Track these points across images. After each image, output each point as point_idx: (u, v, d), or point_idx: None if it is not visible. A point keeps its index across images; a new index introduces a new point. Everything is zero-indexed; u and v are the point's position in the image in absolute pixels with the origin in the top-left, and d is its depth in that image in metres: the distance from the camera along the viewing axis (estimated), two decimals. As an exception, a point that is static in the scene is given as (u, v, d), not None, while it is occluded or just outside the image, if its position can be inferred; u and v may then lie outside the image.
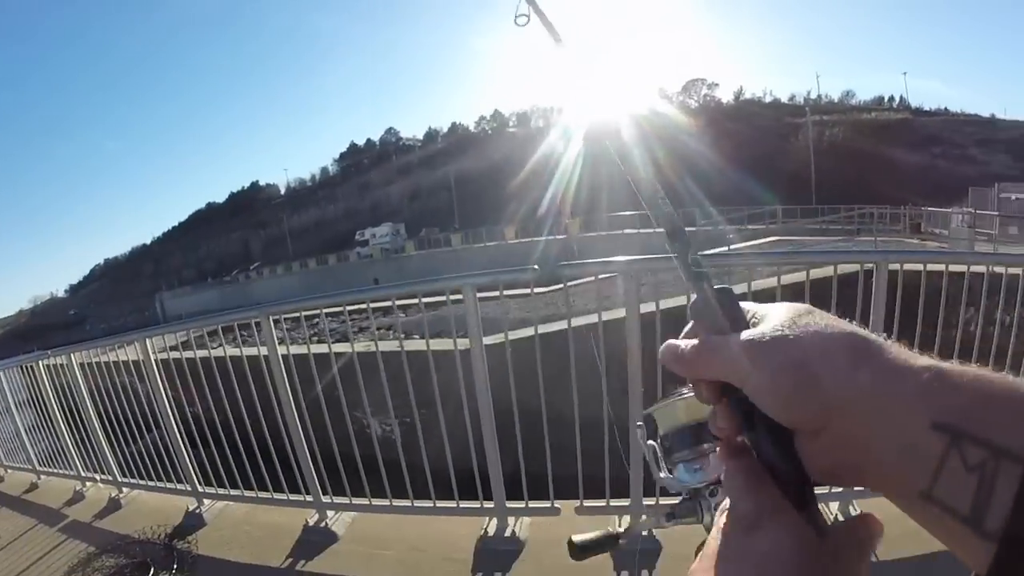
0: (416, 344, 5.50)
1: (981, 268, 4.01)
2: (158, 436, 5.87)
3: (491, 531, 3.85)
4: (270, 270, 73.99)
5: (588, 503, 3.80)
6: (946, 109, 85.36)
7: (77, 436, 6.78)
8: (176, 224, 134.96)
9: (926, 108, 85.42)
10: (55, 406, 6.85)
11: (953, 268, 4.20)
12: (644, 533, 3.11)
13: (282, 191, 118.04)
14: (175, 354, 5.66)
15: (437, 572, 3.78)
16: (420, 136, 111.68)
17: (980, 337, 3.91)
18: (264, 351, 4.59)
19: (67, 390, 6.73)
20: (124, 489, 6.21)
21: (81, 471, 6.78)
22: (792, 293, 4.00)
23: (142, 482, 6.21)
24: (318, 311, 5.17)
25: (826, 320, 0.55)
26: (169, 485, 5.85)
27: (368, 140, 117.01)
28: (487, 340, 3.95)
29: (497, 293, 4.23)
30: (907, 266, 4.08)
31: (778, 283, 3.89)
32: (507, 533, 3.82)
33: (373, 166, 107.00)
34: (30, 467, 7.65)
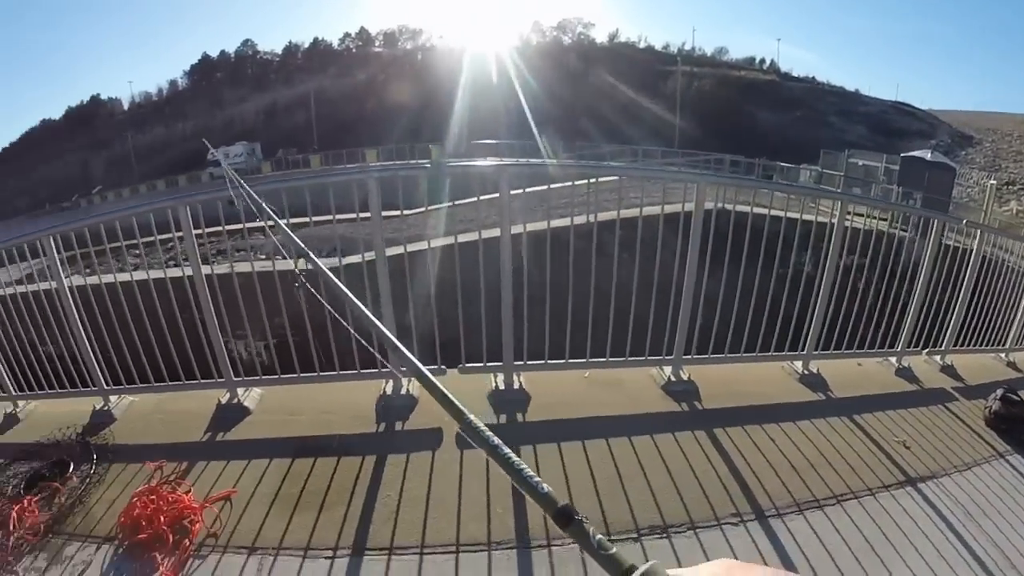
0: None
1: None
2: (59, 340, 5.54)
3: (389, 391, 4.63)
4: (115, 194, 65.90)
5: (469, 365, 4.69)
6: (813, 78, 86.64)
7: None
8: (7, 145, 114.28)
9: (794, 74, 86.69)
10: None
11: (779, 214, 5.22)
12: None
13: (126, 106, 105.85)
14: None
15: (347, 427, 4.45)
16: (279, 51, 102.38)
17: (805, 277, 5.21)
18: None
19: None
20: (20, 403, 5.90)
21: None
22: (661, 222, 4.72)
23: (41, 392, 5.86)
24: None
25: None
26: (71, 390, 5.69)
27: (223, 52, 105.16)
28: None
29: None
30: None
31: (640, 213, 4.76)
32: (403, 391, 4.61)
33: (227, 81, 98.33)
34: None
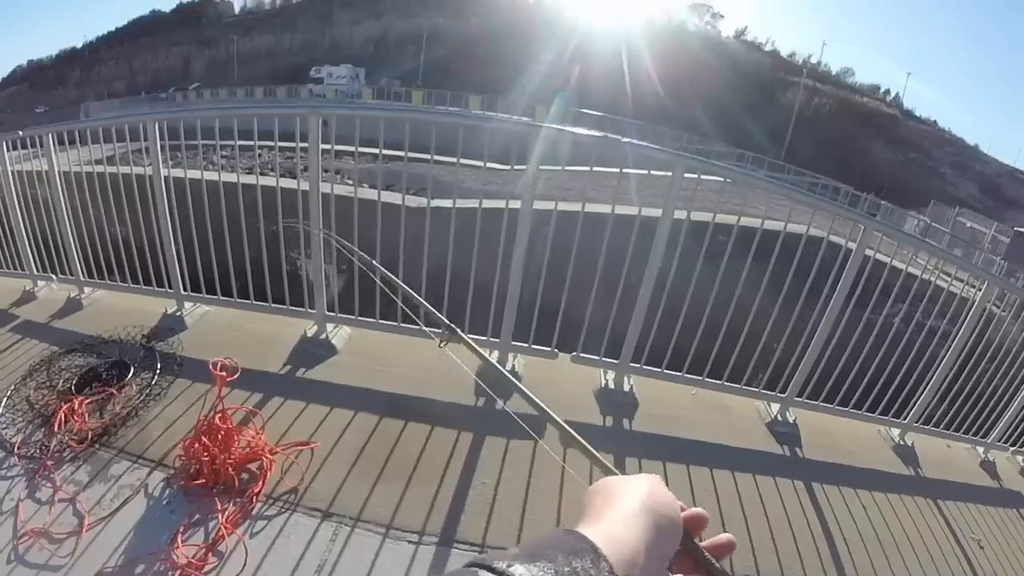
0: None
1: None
2: (140, 229, 5.21)
3: (494, 360, 4.41)
4: (212, 93, 66.87)
5: (584, 355, 4.58)
6: (935, 122, 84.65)
7: (31, 231, 5.92)
8: (113, 30, 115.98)
9: (916, 113, 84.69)
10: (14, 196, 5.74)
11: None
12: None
13: (236, 10, 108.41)
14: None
15: (443, 392, 4.29)
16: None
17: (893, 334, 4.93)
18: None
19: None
20: (86, 289, 5.75)
21: (34, 269, 5.96)
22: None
23: (109, 282, 5.67)
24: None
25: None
26: (143, 286, 5.46)
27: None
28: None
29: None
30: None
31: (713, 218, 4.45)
32: (508, 366, 4.41)
33: (342, 1, 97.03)
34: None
